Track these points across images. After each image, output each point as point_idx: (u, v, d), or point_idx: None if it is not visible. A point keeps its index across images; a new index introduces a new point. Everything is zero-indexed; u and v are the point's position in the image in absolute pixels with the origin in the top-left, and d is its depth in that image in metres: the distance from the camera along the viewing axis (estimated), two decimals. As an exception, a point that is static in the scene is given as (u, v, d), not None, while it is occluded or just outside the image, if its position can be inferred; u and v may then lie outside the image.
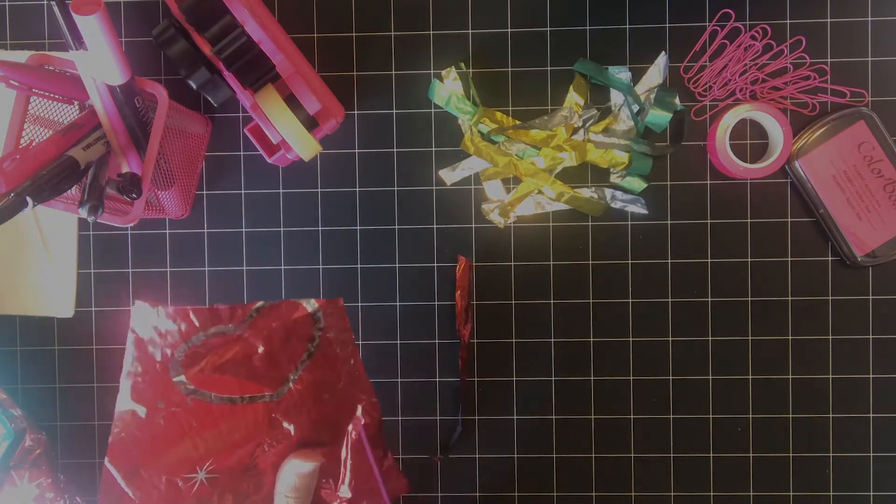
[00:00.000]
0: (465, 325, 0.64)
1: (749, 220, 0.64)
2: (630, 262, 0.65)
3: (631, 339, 0.65)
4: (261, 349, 0.53)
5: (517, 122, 0.65)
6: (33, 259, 0.66)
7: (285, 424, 0.53)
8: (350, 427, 0.54)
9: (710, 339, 0.65)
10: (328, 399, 0.55)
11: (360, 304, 0.66)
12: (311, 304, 0.55)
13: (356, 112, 0.65)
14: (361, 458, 0.54)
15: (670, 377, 0.65)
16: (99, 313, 0.66)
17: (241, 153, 0.66)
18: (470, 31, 0.65)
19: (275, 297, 0.65)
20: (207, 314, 0.52)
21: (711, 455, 0.65)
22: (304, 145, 0.56)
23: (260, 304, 0.53)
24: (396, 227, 0.65)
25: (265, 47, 0.55)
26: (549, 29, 0.65)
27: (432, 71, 0.65)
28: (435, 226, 0.65)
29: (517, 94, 0.65)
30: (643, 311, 0.65)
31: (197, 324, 0.52)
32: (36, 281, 0.66)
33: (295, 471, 0.51)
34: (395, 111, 0.65)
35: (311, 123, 0.59)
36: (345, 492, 0.53)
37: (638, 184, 0.64)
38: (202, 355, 0.52)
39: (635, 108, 0.64)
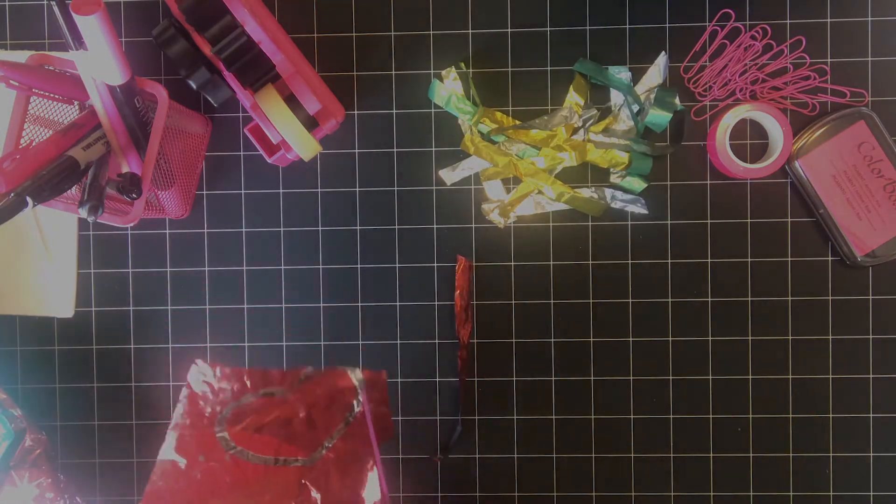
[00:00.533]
0: (464, 324, 0.64)
1: (749, 220, 0.64)
2: (630, 262, 0.65)
3: (631, 339, 0.65)
4: (302, 414, 0.53)
5: (517, 122, 0.65)
6: (33, 259, 0.66)
7: (313, 493, 0.53)
8: None
9: (710, 339, 0.65)
10: (355, 472, 0.55)
11: (360, 305, 0.66)
12: (356, 375, 0.56)
13: (356, 112, 0.65)
14: None
15: (670, 377, 0.65)
16: (99, 313, 0.66)
17: (241, 153, 0.66)
18: (470, 31, 0.65)
19: (275, 300, 0.65)
20: (260, 376, 0.53)
21: (711, 455, 0.65)
22: (304, 145, 0.56)
23: (309, 369, 0.54)
24: (396, 227, 0.65)
25: (265, 47, 0.55)
26: (549, 29, 0.65)
27: (432, 71, 0.65)
28: (435, 226, 0.65)
29: (517, 94, 0.65)
30: (643, 311, 0.65)
31: (249, 385, 0.53)
32: (36, 281, 0.66)
33: None
34: (395, 111, 0.65)
35: (311, 123, 0.59)
36: None
37: (638, 184, 0.64)
38: (247, 414, 0.53)
39: (635, 108, 0.64)
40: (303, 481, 0.53)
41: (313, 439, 0.54)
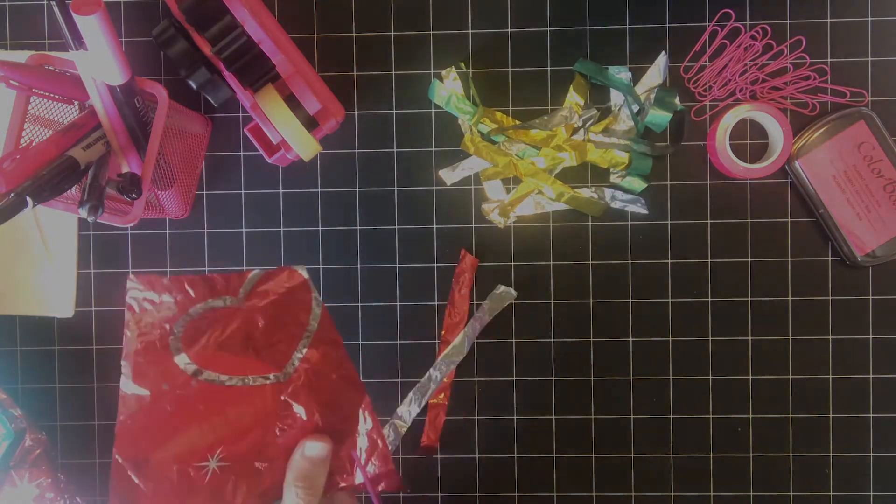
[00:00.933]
0: (457, 327, 0.64)
1: (749, 220, 0.64)
2: (630, 262, 0.65)
3: (631, 339, 0.65)
4: (261, 323, 0.49)
5: (517, 122, 0.65)
6: (33, 259, 0.66)
7: (295, 407, 0.50)
8: (363, 409, 0.51)
9: (710, 339, 0.65)
10: (336, 379, 0.52)
11: (360, 304, 0.66)
12: (304, 271, 0.51)
13: (356, 112, 0.65)
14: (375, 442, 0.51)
15: (670, 377, 0.65)
16: (99, 313, 0.66)
17: (241, 153, 0.66)
18: (470, 31, 0.65)
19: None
20: (202, 283, 0.49)
21: (711, 455, 0.65)
22: (304, 145, 0.56)
23: (256, 271, 0.50)
24: (396, 227, 0.65)
25: (265, 47, 0.55)
26: (549, 29, 0.65)
27: (432, 71, 0.65)
28: (435, 226, 0.65)
29: (517, 94, 0.65)
30: (643, 311, 0.65)
31: (193, 294, 0.48)
32: (36, 281, 0.66)
33: (304, 454, 0.48)
34: (395, 111, 0.65)
35: (311, 123, 0.59)
36: (359, 477, 0.50)
37: (638, 184, 0.64)
38: (202, 331, 0.49)
39: (635, 108, 0.64)
40: (282, 398, 0.49)
41: (281, 351, 0.50)
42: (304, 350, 0.50)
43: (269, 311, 0.49)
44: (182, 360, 0.48)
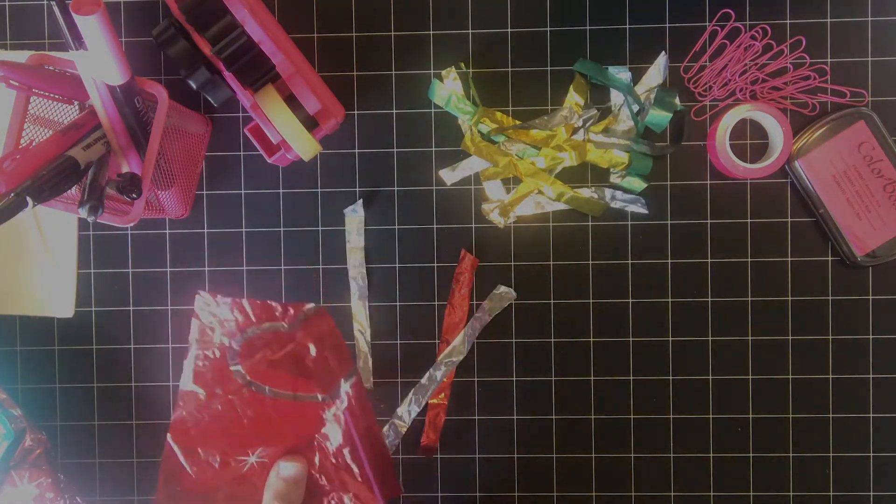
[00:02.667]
0: (457, 327, 0.64)
1: (749, 220, 0.64)
2: (630, 262, 0.65)
3: (631, 339, 0.65)
4: (313, 353, 0.53)
5: (517, 122, 0.65)
6: (33, 259, 0.66)
7: (335, 427, 0.54)
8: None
9: (710, 339, 0.65)
10: (370, 417, 0.56)
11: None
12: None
13: (356, 112, 0.65)
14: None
15: (670, 377, 0.65)
16: (99, 313, 0.66)
17: (241, 153, 0.66)
18: (470, 31, 0.65)
19: (276, 298, 0.65)
20: (261, 308, 0.53)
21: (711, 455, 0.65)
22: (304, 145, 0.56)
23: (311, 305, 0.54)
24: (396, 227, 0.65)
25: (265, 47, 0.55)
26: (549, 29, 0.65)
27: (432, 71, 0.65)
28: (435, 226, 0.65)
29: (517, 94, 0.65)
30: (643, 311, 0.65)
31: (252, 317, 0.53)
32: (36, 281, 0.66)
33: (280, 474, 0.51)
34: (395, 111, 0.65)
35: (311, 123, 0.59)
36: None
37: (638, 184, 0.64)
38: (257, 349, 0.53)
39: (635, 108, 0.64)
40: (323, 416, 0.53)
41: (329, 379, 0.54)
42: (352, 380, 0.55)
43: (320, 342, 0.54)
44: (237, 370, 0.53)
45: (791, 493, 0.65)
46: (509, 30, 0.65)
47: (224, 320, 0.53)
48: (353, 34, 0.65)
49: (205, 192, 0.66)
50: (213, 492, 0.53)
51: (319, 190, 0.66)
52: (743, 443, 0.65)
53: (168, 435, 0.53)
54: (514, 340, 0.65)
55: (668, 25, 0.64)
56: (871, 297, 0.64)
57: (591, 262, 0.65)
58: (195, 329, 0.53)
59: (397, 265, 0.66)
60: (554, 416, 0.65)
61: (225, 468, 0.53)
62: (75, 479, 0.66)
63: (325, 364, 0.54)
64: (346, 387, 0.53)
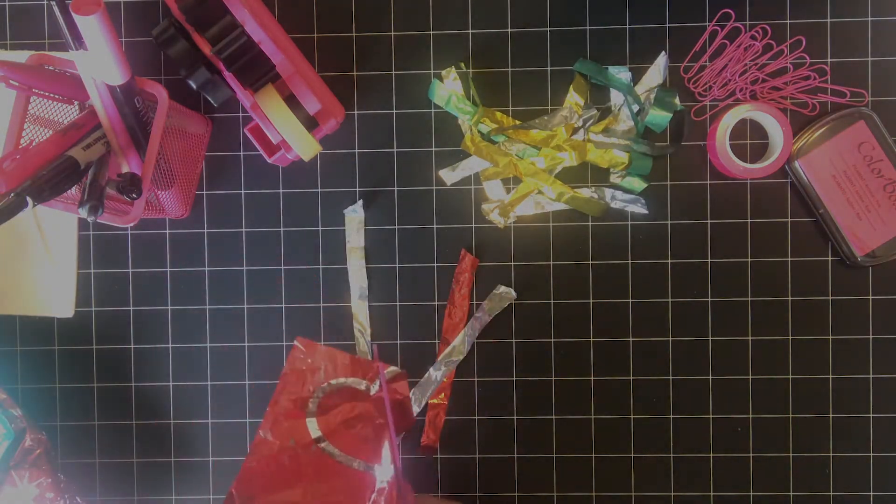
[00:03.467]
0: (457, 327, 0.64)
1: (749, 220, 0.64)
2: (630, 262, 0.65)
3: (631, 339, 0.65)
4: (380, 420, 0.56)
5: (517, 122, 0.65)
6: (33, 259, 0.66)
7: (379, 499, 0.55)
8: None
9: (710, 339, 0.65)
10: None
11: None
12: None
13: (356, 112, 0.65)
14: None
15: (670, 377, 0.65)
16: (99, 313, 0.66)
17: (241, 153, 0.66)
18: (470, 31, 0.65)
19: (275, 300, 0.65)
20: (351, 362, 0.56)
21: (711, 455, 0.65)
22: (304, 145, 0.56)
23: (392, 370, 0.56)
24: (396, 227, 0.65)
25: (265, 47, 0.55)
26: (549, 29, 0.65)
27: (432, 71, 0.65)
28: (435, 226, 0.65)
29: (517, 94, 0.65)
30: (643, 311, 0.65)
31: (340, 368, 0.56)
32: (36, 281, 0.66)
33: None
34: (395, 111, 0.65)
35: (311, 123, 0.59)
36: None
37: (638, 184, 0.64)
38: (336, 404, 0.56)
39: (635, 108, 0.64)
40: (374, 496, 0.54)
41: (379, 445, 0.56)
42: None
43: (392, 409, 0.56)
44: (312, 425, 0.55)
45: (791, 493, 0.65)
46: (509, 30, 0.65)
47: (315, 368, 0.55)
48: (353, 34, 0.65)
49: (205, 192, 0.66)
50: None
51: (319, 190, 0.66)
52: (743, 443, 0.65)
53: (233, 485, 0.54)
54: (514, 340, 0.65)
55: (668, 25, 0.64)
56: (871, 297, 0.64)
57: (591, 262, 0.65)
58: (285, 377, 0.54)
59: (397, 265, 0.66)
60: (554, 416, 0.65)
61: None
62: (75, 479, 0.66)
63: (385, 432, 0.56)
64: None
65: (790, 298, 0.64)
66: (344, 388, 0.56)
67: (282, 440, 0.54)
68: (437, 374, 0.65)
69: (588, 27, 0.64)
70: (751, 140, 0.64)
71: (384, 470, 0.55)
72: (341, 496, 0.55)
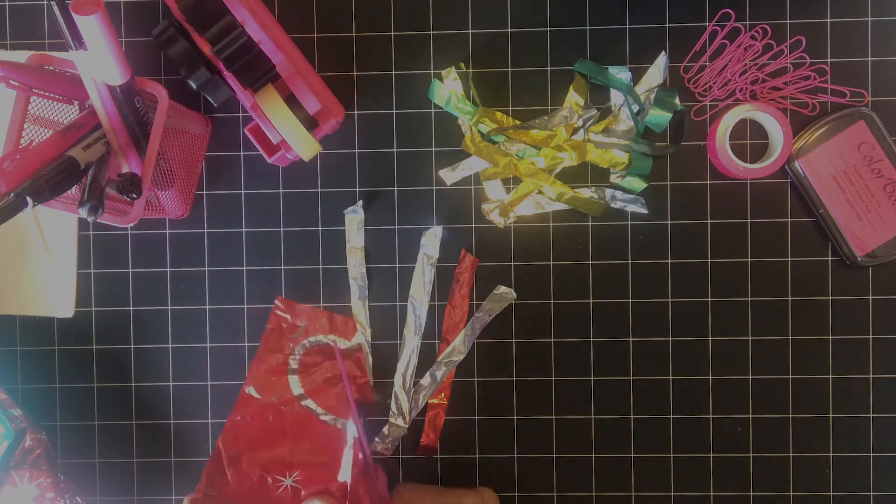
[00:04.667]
0: (457, 327, 0.64)
1: (749, 220, 0.64)
2: (630, 262, 0.65)
3: (631, 339, 0.65)
4: (365, 379, 0.57)
5: (517, 122, 0.65)
6: (33, 259, 0.66)
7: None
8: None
9: (710, 339, 0.65)
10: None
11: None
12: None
13: (356, 112, 0.65)
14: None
15: (670, 377, 0.65)
16: (99, 313, 0.66)
17: (241, 153, 0.66)
18: (470, 31, 0.65)
19: (274, 298, 0.65)
20: (327, 317, 0.57)
21: (711, 455, 0.65)
22: (304, 145, 0.56)
23: (358, 343, 0.59)
24: (396, 227, 0.65)
25: (265, 47, 0.55)
26: (549, 29, 0.65)
27: (432, 71, 0.65)
28: (435, 226, 0.65)
29: (517, 94, 0.65)
30: (643, 311, 0.65)
31: (321, 325, 0.57)
32: (36, 281, 0.66)
33: None
34: (395, 111, 0.65)
35: (311, 123, 0.59)
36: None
37: (638, 184, 0.64)
38: (317, 363, 0.57)
39: (635, 108, 0.64)
40: (360, 455, 0.55)
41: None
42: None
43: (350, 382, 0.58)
44: (294, 382, 0.57)
45: (791, 493, 0.65)
46: (509, 30, 0.65)
47: (294, 326, 0.55)
48: (353, 34, 0.65)
49: (205, 192, 0.66)
50: None
51: (319, 190, 0.66)
52: (743, 443, 0.65)
53: (219, 438, 0.55)
54: (514, 340, 0.65)
55: (668, 25, 0.64)
56: (871, 297, 0.64)
57: (591, 262, 0.65)
58: (268, 334, 0.56)
59: (397, 265, 0.66)
60: (554, 416, 0.65)
61: (261, 485, 0.55)
62: (75, 479, 0.66)
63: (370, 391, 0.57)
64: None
65: (790, 298, 0.64)
66: (323, 347, 0.57)
67: (264, 396, 0.56)
68: (437, 373, 0.65)
69: (588, 27, 0.64)
70: (751, 140, 0.64)
71: (350, 427, 0.56)
72: (325, 454, 0.56)
